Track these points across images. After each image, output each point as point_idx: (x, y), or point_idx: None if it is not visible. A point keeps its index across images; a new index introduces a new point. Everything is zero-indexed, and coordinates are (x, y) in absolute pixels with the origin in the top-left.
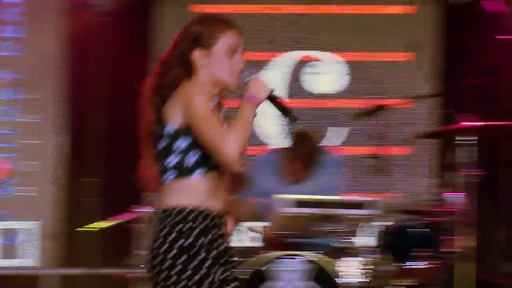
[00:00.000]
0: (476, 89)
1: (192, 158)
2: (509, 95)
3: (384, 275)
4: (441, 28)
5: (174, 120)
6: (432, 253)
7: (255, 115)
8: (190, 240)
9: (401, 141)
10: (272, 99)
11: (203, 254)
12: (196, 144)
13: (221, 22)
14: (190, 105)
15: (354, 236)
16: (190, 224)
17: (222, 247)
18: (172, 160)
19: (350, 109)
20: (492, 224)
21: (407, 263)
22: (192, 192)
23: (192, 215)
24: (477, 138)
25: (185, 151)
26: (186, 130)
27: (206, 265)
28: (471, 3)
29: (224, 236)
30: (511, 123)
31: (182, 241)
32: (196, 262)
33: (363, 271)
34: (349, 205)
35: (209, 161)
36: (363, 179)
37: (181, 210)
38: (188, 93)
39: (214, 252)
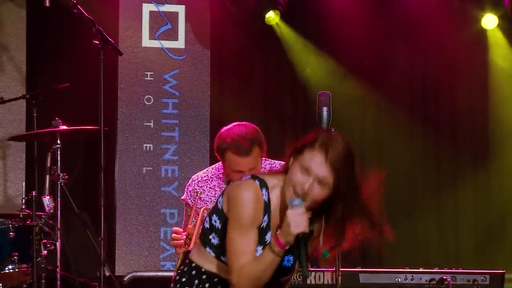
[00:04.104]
0: (65, 93)
1: (214, 240)
2: (95, 99)
3: None
4: (28, 30)
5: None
6: (23, 257)
7: (279, 256)
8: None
9: None
10: (302, 241)
11: None
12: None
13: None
14: (234, 197)
15: None
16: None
17: None
18: (214, 238)
19: None
20: (83, 227)
21: None
22: (203, 253)
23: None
24: (65, 142)
25: (217, 231)
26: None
27: None
28: (62, 7)
29: None
30: (97, 127)
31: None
32: None
33: None
34: None
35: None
36: None
37: (196, 267)
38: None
39: None
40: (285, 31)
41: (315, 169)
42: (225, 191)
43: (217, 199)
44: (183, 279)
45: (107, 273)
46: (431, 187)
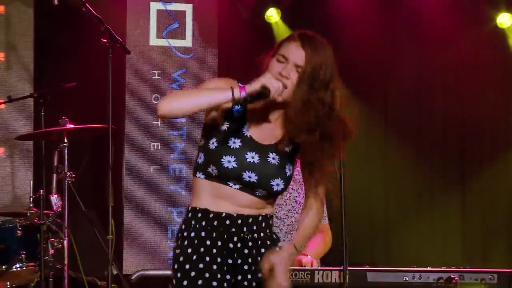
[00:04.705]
0: (72, 92)
1: (198, 160)
2: (103, 98)
3: None
4: (35, 29)
5: None
6: (31, 255)
7: (231, 96)
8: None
9: None
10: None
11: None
12: (203, 147)
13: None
14: None
15: None
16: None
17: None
18: (200, 157)
19: None
20: (90, 226)
21: (5, 266)
22: (195, 192)
23: (189, 214)
24: (72, 140)
25: (199, 150)
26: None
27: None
28: (70, 5)
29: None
30: (104, 126)
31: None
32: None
33: None
34: None
35: (206, 167)
36: None
37: (192, 209)
38: None
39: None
40: (283, 31)
41: (291, 56)
42: None
43: None
44: (182, 226)
45: (115, 272)
46: (438, 186)
